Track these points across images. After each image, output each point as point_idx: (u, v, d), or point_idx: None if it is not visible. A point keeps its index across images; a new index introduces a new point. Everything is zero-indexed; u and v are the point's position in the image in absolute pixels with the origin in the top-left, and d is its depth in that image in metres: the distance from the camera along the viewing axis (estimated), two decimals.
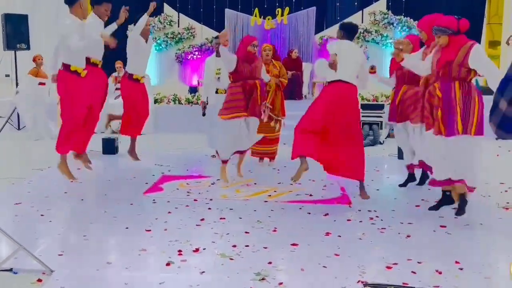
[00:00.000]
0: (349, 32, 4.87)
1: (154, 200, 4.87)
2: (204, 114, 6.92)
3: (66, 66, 5.10)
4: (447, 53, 3.98)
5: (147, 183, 5.50)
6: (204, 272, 3.14)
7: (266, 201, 4.81)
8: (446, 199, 4.45)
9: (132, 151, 6.71)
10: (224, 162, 5.58)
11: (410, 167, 5.31)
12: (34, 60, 8.97)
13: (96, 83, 5.20)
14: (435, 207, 4.48)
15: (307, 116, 4.71)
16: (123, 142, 7.20)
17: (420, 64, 4.46)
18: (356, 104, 4.77)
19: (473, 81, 3.94)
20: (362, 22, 12.21)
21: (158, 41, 12.52)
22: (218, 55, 6.73)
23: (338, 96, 4.64)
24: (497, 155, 7.10)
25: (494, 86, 3.57)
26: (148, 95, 6.81)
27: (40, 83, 8.88)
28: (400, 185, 5.43)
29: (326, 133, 4.65)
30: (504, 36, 12.18)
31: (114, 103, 8.36)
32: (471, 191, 4.14)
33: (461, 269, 3.20)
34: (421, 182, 5.39)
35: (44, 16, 12.25)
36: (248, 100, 5.37)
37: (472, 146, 3.93)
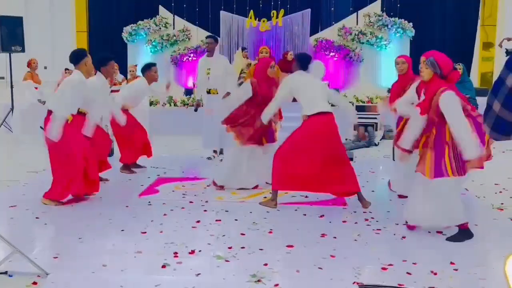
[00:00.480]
0: (301, 62, 4.84)
1: (149, 202, 4.86)
2: (196, 110, 7.18)
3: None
4: (427, 100, 3.82)
5: (142, 185, 5.50)
6: (200, 274, 3.15)
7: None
8: None
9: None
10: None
11: None
12: (29, 64, 8.94)
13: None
14: None
15: (292, 146, 4.66)
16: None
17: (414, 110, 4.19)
18: (337, 128, 4.70)
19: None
20: (357, 24, 12.23)
21: (154, 43, 12.49)
22: (210, 55, 6.79)
23: (323, 128, 4.65)
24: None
25: (458, 137, 3.54)
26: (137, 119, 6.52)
27: (35, 87, 8.88)
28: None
29: (315, 160, 4.59)
30: (498, 38, 12.23)
31: None
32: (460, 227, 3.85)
33: (456, 270, 3.22)
34: None
35: (37, 19, 12.24)
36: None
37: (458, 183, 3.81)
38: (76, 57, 4.86)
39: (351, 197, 4.78)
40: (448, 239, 3.79)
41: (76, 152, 4.67)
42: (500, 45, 10.64)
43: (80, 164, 4.69)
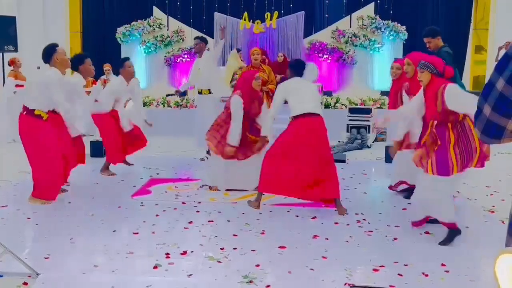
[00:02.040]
0: (295, 69, 4.85)
1: (142, 203, 4.85)
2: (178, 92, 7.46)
3: (29, 111, 4.72)
4: (429, 101, 3.86)
5: (135, 186, 5.48)
6: (191, 275, 3.14)
7: None
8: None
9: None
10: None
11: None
12: (12, 63, 8.88)
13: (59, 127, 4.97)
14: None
15: (279, 149, 4.67)
16: None
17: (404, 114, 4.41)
18: (325, 131, 4.69)
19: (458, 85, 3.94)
20: (351, 27, 12.28)
21: (147, 44, 12.48)
22: (199, 55, 6.86)
23: (309, 130, 4.64)
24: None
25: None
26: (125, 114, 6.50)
27: (17, 85, 8.79)
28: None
29: (300, 164, 4.60)
30: (490, 41, 12.33)
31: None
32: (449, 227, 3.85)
33: (447, 271, 3.24)
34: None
35: (31, 19, 12.19)
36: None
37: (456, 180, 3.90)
38: (46, 55, 4.76)
39: (330, 205, 4.70)
40: (441, 243, 3.78)
41: (54, 150, 4.66)
42: (503, 48, 10.73)
43: (59, 161, 4.70)
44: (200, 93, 6.80)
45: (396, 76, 5.20)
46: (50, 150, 4.66)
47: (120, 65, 6.05)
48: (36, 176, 4.72)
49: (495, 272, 1.35)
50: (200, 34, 12.44)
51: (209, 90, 6.78)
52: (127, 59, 6.22)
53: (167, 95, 7.25)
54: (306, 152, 4.55)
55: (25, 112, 4.70)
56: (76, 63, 5.16)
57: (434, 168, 3.75)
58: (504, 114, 1.56)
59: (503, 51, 11.67)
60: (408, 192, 5.03)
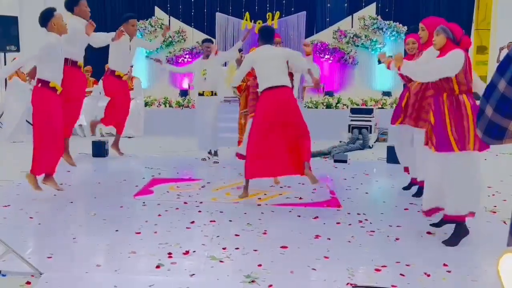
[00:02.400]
0: (264, 36, 4.84)
1: (144, 202, 4.86)
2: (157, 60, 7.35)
3: (44, 82, 4.78)
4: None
5: (137, 186, 5.49)
6: (194, 274, 3.14)
7: (259, 205, 4.82)
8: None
9: (115, 145, 6.74)
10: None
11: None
12: None
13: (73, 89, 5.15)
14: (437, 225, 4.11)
15: (255, 133, 4.75)
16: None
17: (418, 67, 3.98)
18: (294, 101, 4.74)
19: None
20: (352, 27, 12.30)
21: None
22: (206, 57, 6.81)
23: (275, 102, 4.67)
24: (485, 159, 7.17)
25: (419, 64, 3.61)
26: (129, 94, 6.81)
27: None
28: (404, 188, 5.33)
29: (276, 139, 4.68)
30: (492, 41, 12.34)
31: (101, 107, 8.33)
32: (454, 219, 3.77)
33: (449, 271, 3.24)
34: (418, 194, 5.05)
35: (32, 18, 12.19)
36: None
37: (465, 165, 3.64)
38: (43, 19, 4.81)
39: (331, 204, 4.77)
40: (445, 242, 3.75)
41: (59, 124, 4.82)
42: (505, 48, 10.73)
43: (61, 136, 4.90)
44: (201, 94, 6.79)
45: (413, 51, 4.99)
46: (56, 124, 4.78)
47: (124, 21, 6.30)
48: (38, 148, 4.79)
49: (498, 271, 1.36)
50: (201, 34, 12.54)
51: (212, 92, 6.79)
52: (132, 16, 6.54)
53: (151, 58, 7.35)
54: (278, 125, 4.62)
55: (39, 85, 4.74)
56: (70, 5, 5.09)
57: (435, 145, 3.70)
58: (506, 115, 1.57)
59: (504, 52, 11.68)
60: (417, 191, 5.07)
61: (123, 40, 6.28)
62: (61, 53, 4.87)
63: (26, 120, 5.09)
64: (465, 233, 3.79)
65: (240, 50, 11.34)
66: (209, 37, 7.63)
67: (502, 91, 1.56)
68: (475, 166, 3.73)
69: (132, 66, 8.82)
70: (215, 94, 6.80)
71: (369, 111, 9.44)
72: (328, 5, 13.59)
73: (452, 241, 3.76)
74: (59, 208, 4.65)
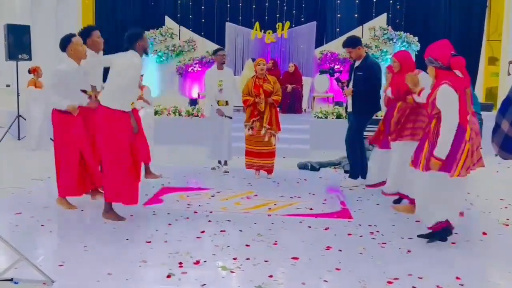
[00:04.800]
0: (128, 40, 4.57)
1: (154, 211, 4.86)
2: (230, 117, 6.83)
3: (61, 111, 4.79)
4: (432, 91, 3.87)
5: (147, 194, 5.49)
6: (205, 284, 3.14)
7: (269, 215, 4.80)
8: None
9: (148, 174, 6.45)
10: None
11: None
12: (34, 71, 8.96)
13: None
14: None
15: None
16: None
17: None
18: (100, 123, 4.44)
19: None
20: (362, 37, 12.29)
21: (159, 53, 12.59)
22: (220, 68, 6.78)
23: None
24: (497, 172, 7.11)
25: (443, 132, 3.62)
26: (141, 120, 6.42)
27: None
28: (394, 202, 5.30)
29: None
30: (503, 52, 12.28)
31: None
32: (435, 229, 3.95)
33: (462, 285, 3.20)
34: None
35: (44, 27, 12.34)
36: None
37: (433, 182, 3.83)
38: (62, 45, 4.73)
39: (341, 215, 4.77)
40: (421, 235, 4.00)
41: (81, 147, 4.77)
42: (509, 73, 10.75)
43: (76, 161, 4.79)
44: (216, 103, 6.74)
45: (397, 69, 5.26)
46: (78, 144, 4.77)
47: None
48: (58, 171, 4.82)
49: None
50: (211, 43, 12.61)
51: (227, 101, 6.76)
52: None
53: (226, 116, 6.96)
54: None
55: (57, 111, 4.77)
56: (83, 37, 5.00)
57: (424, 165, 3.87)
58: None
59: None
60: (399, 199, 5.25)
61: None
62: (77, 80, 4.77)
63: (50, 138, 5.10)
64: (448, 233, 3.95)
65: (253, 60, 11.42)
66: (220, 47, 7.60)
67: None
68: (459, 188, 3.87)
69: (142, 75, 8.84)
70: (227, 104, 6.78)
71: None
72: (339, 15, 13.61)
73: (427, 237, 3.98)
74: (70, 216, 4.67)
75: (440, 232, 3.94)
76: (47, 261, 3.50)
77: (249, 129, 6.47)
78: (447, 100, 3.70)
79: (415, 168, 3.93)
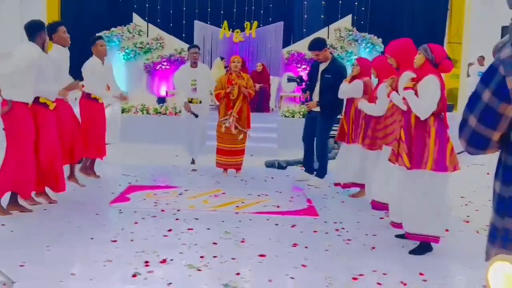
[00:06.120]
0: (27, 31, 4.42)
1: (120, 210, 4.80)
2: (196, 116, 6.63)
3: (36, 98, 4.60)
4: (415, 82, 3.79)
5: (113, 193, 5.41)
6: (171, 283, 3.11)
7: (237, 213, 4.80)
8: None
9: (89, 170, 6.15)
10: None
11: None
12: None
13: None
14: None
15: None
16: None
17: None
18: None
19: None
20: (328, 38, 12.44)
21: (127, 51, 12.41)
22: (194, 66, 6.70)
23: None
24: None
25: (413, 103, 3.59)
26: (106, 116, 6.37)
27: None
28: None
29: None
30: (464, 55, 12.65)
31: None
32: (411, 238, 3.83)
33: (425, 280, 3.29)
34: None
35: (7, 22, 11.97)
36: None
37: (421, 183, 3.69)
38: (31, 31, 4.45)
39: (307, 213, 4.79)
40: (412, 252, 3.81)
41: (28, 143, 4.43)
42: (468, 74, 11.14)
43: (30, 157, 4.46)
44: (190, 102, 6.64)
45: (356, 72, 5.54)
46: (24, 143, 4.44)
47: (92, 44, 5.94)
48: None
49: (487, 279, 1.37)
50: (180, 41, 12.51)
51: (201, 100, 6.69)
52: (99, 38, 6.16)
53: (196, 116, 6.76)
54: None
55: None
56: (49, 33, 4.81)
57: (412, 162, 3.72)
58: (490, 125, 1.59)
59: (473, 67, 12.01)
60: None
61: (97, 65, 5.88)
62: (49, 67, 4.61)
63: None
64: (428, 249, 3.81)
65: (222, 58, 11.37)
66: (194, 44, 7.45)
67: (486, 101, 1.58)
68: (439, 188, 3.76)
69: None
70: (201, 103, 6.72)
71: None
72: (305, 16, 13.74)
73: (416, 252, 3.81)
74: (32, 215, 4.54)
75: (427, 244, 3.81)
76: (7, 261, 3.38)
77: (226, 123, 6.36)
78: (431, 88, 3.65)
79: (420, 169, 3.65)
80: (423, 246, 3.81)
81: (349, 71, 6.27)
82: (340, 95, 5.66)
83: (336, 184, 5.90)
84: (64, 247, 3.71)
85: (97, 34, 6.76)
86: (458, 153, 3.62)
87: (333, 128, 8.21)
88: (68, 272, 3.24)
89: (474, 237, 4.30)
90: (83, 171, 6.03)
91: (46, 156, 4.61)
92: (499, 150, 1.68)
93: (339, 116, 6.21)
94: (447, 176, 3.74)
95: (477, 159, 7.68)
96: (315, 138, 6.20)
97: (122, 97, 6.38)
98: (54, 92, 4.70)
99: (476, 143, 1.65)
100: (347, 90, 5.53)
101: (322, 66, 6.04)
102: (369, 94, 5.17)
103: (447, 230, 4.18)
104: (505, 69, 1.51)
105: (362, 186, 5.39)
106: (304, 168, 6.60)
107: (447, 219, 3.93)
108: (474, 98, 1.62)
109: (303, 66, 12.22)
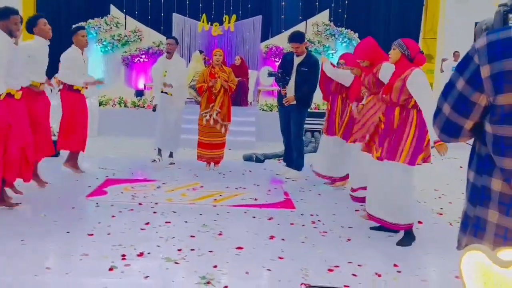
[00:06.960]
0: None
1: (97, 203, 4.76)
2: (154, 110, 6.82)
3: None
4: (391, 80, 3.88)
5: (90, 186, 5.37)
6: (148, 276, 3.12)
7: (215, 206, 4.81)
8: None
9: (74, 163, 6.08)
10: None
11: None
12: None
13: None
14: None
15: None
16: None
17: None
18: None
19: None
20: (306, 32, 12.50)
21: (104, 43, 12.25)
22: (169, 57, 6.66)
23: None
24: (431, 163, 7.44)
25: (427, 118, 3.57)
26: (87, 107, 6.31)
27: None
28: None
29: None
30: (438, 50, 12.86)
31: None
32: (390, 227, 3.97)
33: (399, 272, 3.35)
34: None
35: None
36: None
37: (397, 176, 3.79)
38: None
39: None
40: (398, 243, 3.89)
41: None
42: (442, 69, 11.31)
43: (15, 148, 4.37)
44: (163, 92, 6.60)
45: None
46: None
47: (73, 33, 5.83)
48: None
49: (460, 269, 1.41)
50: (158, 34, 12.41)
51: (171, 93, 6.62)
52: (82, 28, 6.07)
53: (154, 110, 6.78)
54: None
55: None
56: (29, 27, 4.81)
57: (385, 153, 3.85)
58: (463, 113, 1.63)
59: (447, 63, 12.21)
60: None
61: (77, 56, 5.85)
62: (17, 57, 4.43)
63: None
64: (413, 238, 3.93)
65: (201, 52, 11.30)
66: (171, 36, 7.38)
67: (460, 89, 1.62)
68: (408, 179, 3.89)
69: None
70: (171, 95, 6.66)
71: (322, 115, 9.57)
72: (283, 10, 13.78)
73: (403, 243, 3.90)
74: (7, 209, 4.47)
75: (410, 232, 3.92)
76: None
77: (207, 116, 6.36)
78: (424, 83, 3.73)
79: (393, 161, 3.76)
80: (407, 236, 3.91)
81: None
82: (329, 74, 5.63)
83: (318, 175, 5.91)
84: (40, 241, 3.68)
85: (79, 23, 6.66)
86: (432, 146, 3.71)
87: (315, 122, 8.33)
88: (43, 266, 3.21)
89: (447, 229, 4.40)
90: (69, 164, 5.97)
91: (15, 146, 4.48)
92: (471, 139, 1.72)
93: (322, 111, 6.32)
94: (414, 168, 3.87)
95: (451, 152, 7.83)
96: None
97: (98, 82, 6.24)
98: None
99: (449, 131, 1.69)
100: (337, 72, 5.56)
101: (298, 60, 6.04)
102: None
103: (420, 222, 4.30)
104: (479, 58, 1.55)
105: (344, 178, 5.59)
106: (282, 162, 6.63)
107: (413, 209, 4.04)
108: (449, 86, 1.66)
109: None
